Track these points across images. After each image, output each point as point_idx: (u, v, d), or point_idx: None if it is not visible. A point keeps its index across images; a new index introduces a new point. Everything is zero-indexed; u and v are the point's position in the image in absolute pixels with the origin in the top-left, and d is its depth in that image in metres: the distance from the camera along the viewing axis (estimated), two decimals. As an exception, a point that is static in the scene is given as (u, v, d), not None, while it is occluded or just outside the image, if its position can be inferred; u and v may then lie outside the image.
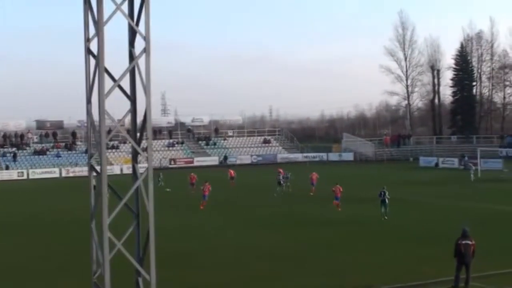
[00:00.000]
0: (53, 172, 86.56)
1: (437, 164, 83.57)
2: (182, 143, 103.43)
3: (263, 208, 46.45)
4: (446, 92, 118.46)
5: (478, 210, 41.95)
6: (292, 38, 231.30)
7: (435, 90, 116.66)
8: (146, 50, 11.54)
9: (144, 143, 12.33)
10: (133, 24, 11.74)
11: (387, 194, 39.94)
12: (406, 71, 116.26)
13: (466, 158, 78.81)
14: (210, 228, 37.80)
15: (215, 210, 45.75)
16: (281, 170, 62.88)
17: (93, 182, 12.28)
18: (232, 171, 67.76)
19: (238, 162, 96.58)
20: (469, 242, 22.32)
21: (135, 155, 12.33)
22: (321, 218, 40.14)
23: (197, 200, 48.21)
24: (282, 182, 57.43)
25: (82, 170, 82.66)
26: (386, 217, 39.00)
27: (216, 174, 67.22)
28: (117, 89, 11.64)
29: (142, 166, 11.89)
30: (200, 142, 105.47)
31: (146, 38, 11.51)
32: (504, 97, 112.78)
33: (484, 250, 25.82)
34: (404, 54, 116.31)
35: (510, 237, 32.19)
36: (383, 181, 60.81)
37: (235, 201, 50.28)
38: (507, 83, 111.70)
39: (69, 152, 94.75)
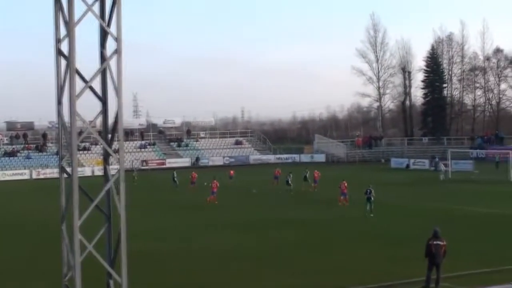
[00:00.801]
0: (23, 174, 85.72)
1: (408, 166, 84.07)
2: (154, 144, 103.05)
3: (245, 209, 46.53)
4: (417, 94, 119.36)
5: (448, 211, 42.23)
6: (265, 40, 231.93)
7: (407, 92, 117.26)
8: (117, 51, 11.49)
9: (115, 145, 12.27)
10: (104, 25, 11.69)
11: (373, 192, 42.14)
12: (378, 73, 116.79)
13: (437, 159, 79.38)
14: (188, 228, 37.67)
15: (198, 210, 45.75)
16: (278, 170, 65.02)
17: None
18: (232, 171, 70.15)
19: (210, 163, 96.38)
20: (440, 242, 22.42)
21: (106, 156, 12.26)
22: (300, 219, 40.20)
23: (189, 200, 48.07)
24: (290, 182, 58.10)
25: (53, 172, 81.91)
26: (372, 215, 40.61)
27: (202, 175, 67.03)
28: (88, 90, 11.58)
29: (113, 168, 11.83)
30: (172, 143, 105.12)
31: (118, 39, 11.46)
32: (474, 99, 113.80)
33: (455, 251, 26.02)
34: (376, 56, 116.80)
35: (480, 238, 32.48)
36: (355, 182, 61.23)
37: (219, 202, 50.22)
38: (477, 85, 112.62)
39: (40, 153, 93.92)
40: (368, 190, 42.37)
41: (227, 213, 43.98)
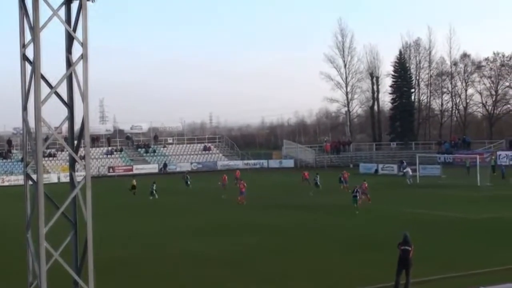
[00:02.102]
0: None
1: (376, 171, 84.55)
2: (121, 150, 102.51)
3: (217, 213, 46.54)
4: (385, 99, 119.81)
5: (417, 216, 42.57)
6: (232, 44, 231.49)
7: (375, 97, 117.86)
8: (83, 56, 11.42)
9: (81, 151, 12.19)
10: (70, 30, 11.62)
11: (359, 191, 47.60)
12: (346, 78, 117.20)
13: (404, 164, 79.89)
14: (156, 234, 37.51)
15: (169, 215, 45.67)
16: (306, 173, 67.62)
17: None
18: (238, 172, 72.72)
19: (178, 169, 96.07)
20: (408, 248, 22.58)
21: (72, 163, 12.18)
22: (271, 224, 40.25)
23: (166, 205, 47.83)
24: (319, 183, 61.28)
25: (17, 179, 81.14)
26: (357, 212, 44.97)
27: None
28: (54, 95, 11.49)
29: (80, 175, 11.74)
30: (139, 149, 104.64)
31: (84, 44, 11.39)
32: (442, 104, 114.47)
33: (423, 255, 26.24)
34: (344, 61, 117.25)
35: (448, 242, 32.75)
36: (324, 187, 61.53)
37: (190, 206, 50.07)
38: (445, 90, 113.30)
39: (4, 160, 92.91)
40: (355, 189, 47.54)
41: (199, 217, 43.88)
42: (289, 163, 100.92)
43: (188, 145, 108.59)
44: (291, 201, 54.18)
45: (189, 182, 65.09)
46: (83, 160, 11.91)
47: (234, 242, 34.26)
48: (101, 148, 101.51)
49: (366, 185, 51.80)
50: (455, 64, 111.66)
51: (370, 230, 37.42)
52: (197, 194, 62.00)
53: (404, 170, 70.40)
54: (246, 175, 75.53)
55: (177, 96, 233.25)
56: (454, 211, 44.17)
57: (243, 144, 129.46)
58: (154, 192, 58.57)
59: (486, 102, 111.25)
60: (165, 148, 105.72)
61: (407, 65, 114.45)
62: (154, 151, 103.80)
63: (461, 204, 48.82)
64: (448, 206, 47.59)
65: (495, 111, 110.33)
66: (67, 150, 11.84)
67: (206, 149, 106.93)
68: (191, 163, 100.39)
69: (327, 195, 56.40)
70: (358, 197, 46.88)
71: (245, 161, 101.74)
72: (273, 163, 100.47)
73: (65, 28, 11.65)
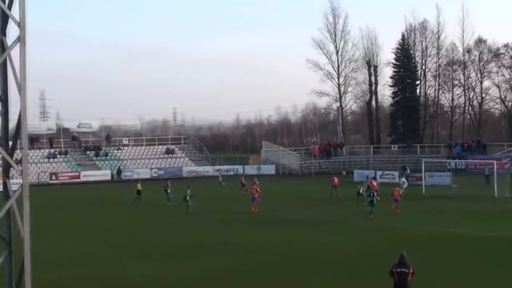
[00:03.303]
0: None
1: (374, 178, 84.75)
2: (66, 153, 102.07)
3: (167, 232, 46.41)
4: (385, 93, 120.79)
5: (419, 233, 42.58)
6: (201, 27, 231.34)
7: (372, 90, 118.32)
8: (20, 39, 11.42)
9: (17, 154, 12.18)
10: (4, 7, 11.61)
11: (375, 195, 51.90)
12: (338, 67, 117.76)
13: (408, 172, 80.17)
14: (105, 255, 37.39)
15: (123, 233, 45.59)
16: (374, 183, 64.95)
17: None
18: (242, 179, 74.76)
19: (135, 176, 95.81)
20: (406, 270, 22.46)
21: (6, 168, 12.17)
22: (246, 242, 40.26)
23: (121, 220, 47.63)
24: (362, 191, 61.90)
25: None
26: (371, 216, 49.51)
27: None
28: (-16, 87, 11.47)
29: (15, 182, 11.75)
30: (88, 152, 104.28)
31: (21, 24, 11.39)
32: (453, 99, 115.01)
33: (425, 281, 26.35)
34: (336, 46, 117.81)
35: (456, 265, 32.81)
36: (310, 198, 61.66)
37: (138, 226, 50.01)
38: (456, 82, 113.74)
39: None
40: (371, 193, 51.95)
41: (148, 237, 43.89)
42: (269, 169, 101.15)
43: (148, 147, 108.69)
44: (274, 214, 54.29)
45: (169, 191, 64.70)
46: (19, 165, 11.90)
47: (201, 264, 34.24)
48: (42, 151, 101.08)
49: (399, 191, 55.40)
50: (468, 51, 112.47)
51: (362, 250, 37.42)
52: (160, 206, 61.94)
53: (401, 181, 70.46)
54: (215, 183, 75.69)
55: (134, 88, 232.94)
56: (466, 228, 44.24)
57: (214, 146, 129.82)
58: (188, 198, 58.44)
59: (505, 97, 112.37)
60: (119, 151, 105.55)
61: (411, 52, 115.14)
62: (106, 154, 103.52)
63: (474, 219, 48.96)
64: (459, 221, 47.70)
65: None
66: (0, 153, 11.82)
67: (169, 152, 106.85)
68: (151, 168, 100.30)
69: (300, 209, 56.49)
70: (375, 202, 50.98)
71: (217, 167, 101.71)
72: (250, 170, 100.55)
73: (-1, 6, 11.64)
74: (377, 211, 52.09)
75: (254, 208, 55.23)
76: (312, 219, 51.17)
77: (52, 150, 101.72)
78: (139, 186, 65.45)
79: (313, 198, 62.95)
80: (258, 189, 57.41)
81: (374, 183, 60.41)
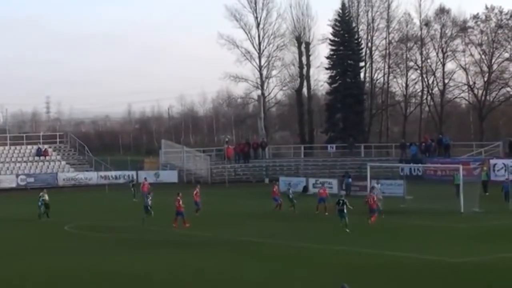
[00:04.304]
0: None
1: (306, 188, 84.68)
2: None
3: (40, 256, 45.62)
4: (320, 78, 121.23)
5: (365, 258, 42.67)
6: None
7: (303, 74, 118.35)
8: None
9: None
10: None
11: (347, 203, 53.77)
12: (259, 44, 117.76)
13: (350, 180, 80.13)
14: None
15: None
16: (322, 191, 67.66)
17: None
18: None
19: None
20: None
21: None
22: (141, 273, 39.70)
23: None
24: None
25: None
26: (347, 230, 52.00)
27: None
28: None
29: None
30: None
31: None
32: (407, 85, 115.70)
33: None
34: (256, 17, 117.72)
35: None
36: (224, 216, 61.40)
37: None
38: (411, 63, 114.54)
39: None
40: (341, 201, 53.84)
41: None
42: (171, 176, 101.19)
43: (13, 148, 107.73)
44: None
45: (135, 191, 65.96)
46: None
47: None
48: None
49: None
50: (426, 24, 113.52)
51: (286, 285, 37.04)
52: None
53: (373, 187, 70.01)
54: (103, 194, 74.79)
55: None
56: (425, 252, 44.43)
57: (99, 146, 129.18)
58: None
59: (474, 83, 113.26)
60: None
61: (354, 25, 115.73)
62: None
63: (436, 240, 49.46)
64: (415, 243, 48.09)
65: (487, 97, 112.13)
66: None
67: (40, 153, 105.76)
68: (17, 175, 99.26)
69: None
70: (345, 211, 53.16)
71: (102, 173, 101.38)
72: (146, 175, 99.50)
73: None
74: (316, 231, 52.12)
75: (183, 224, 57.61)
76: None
77: None
78: (46, 197, 64.38)
79: (227, 215, 62.77)
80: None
81: (323, 191, 65.43)
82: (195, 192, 65.20)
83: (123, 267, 42.10)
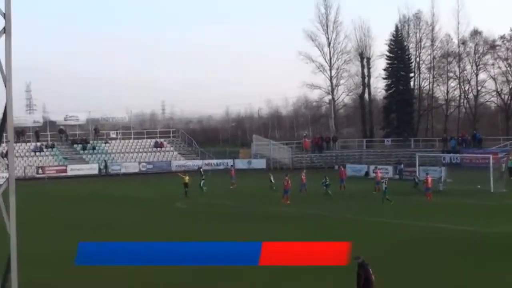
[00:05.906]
0: None
1: (367, 173, 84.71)
2: (53, 147, 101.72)
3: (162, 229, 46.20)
4: (378, 85, 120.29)
5: (408, 228, 42.78)
6: (186, 16, 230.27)
7: (365, 83, 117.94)
8: (6, 30, 11.31)
9: (3, 147, 12.09)
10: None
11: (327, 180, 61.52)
12: (330, 59, 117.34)
13: (402, 166, 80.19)
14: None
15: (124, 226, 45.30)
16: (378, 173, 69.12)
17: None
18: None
19: (123, 170, 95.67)
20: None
21: (-8, 162, 12.08)
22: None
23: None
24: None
25: None
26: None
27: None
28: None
29: (1, 176, 11.65)
30: (75, 145, 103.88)
31: (6, 15, 11.28)
32: (447, 92, 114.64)
33: (420, 278, 26.23)
34: (328, 38, 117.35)
35: (447, 262, 32.78)
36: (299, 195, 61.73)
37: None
38: (451, 74, 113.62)
39: None
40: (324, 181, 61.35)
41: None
42: (260, 163, 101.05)
43: (136, 141, 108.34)
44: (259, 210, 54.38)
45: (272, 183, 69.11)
46: (5, 159, 11.83)
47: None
48: (28, 144, 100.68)
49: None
50: (463, 43, 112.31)
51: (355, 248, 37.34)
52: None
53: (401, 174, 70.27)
54: (206, 178, 75.75)
55: (121, 80, 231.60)
56: (463, 223, 44.39)
57: (204, 139, 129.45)
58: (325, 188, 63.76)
59: (501, 90, 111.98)
60: (107, 144, 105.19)
61: (405, 44, 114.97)
62: (94, 148, 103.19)
63: (471, 214, 49.36)
64: (453, 217, 48.01)
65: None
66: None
67: (157, 145, 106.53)
68: (139, 162, 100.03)
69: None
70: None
71: (206, 161, 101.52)
72: (241, 164, 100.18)
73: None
74: (372, 207, 52.14)
75: (285, 201, 57.51)
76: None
77: (38, 144, 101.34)
78: (186, 179, 65.19)
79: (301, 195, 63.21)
80: (289, 182, 59.36)
81: (379, 173, 67.48)
82: (302, 175, 66.49)
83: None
